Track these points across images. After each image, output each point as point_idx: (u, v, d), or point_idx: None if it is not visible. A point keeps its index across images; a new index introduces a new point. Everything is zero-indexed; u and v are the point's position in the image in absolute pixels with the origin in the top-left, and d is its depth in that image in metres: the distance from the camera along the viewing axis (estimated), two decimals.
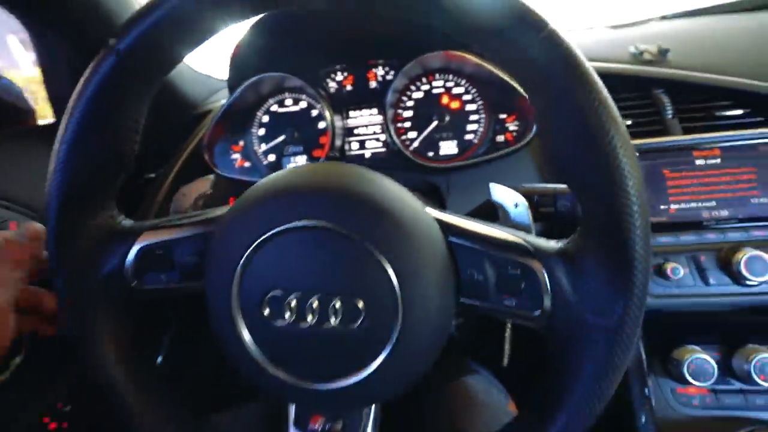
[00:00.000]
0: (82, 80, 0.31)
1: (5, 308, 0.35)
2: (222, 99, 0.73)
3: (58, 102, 0.62)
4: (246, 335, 0.31)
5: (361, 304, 0.28)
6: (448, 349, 0.33)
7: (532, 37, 0.25)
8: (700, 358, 0.49)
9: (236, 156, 0.65)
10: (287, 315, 0.29)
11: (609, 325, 0.26)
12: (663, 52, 0.64)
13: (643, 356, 0.53)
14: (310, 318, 0.29)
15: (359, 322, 0.28)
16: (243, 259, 0.30)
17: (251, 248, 0.30)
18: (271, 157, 0.64)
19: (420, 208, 0.31)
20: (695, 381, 0.49)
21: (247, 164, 0.65)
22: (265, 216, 0.30)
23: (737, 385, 0.50)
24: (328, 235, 0.28)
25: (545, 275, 0.28)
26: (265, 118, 0.63)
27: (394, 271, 0.28)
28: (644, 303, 0.27)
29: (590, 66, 0.26)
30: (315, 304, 0.29)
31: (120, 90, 0.31)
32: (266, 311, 0.30)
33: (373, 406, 0.34)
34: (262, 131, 0.64)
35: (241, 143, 0.65)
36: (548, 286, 0.28)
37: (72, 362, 0.61)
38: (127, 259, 0.35)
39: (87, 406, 0.58)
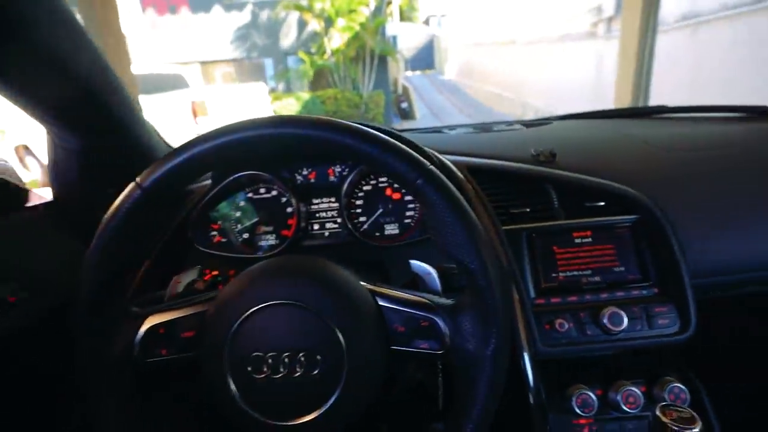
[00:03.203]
0: (111, 210, 0.43)
1: None
2: (200, 182, 0.86)
3: (58, 186, 0.71)
4: (233, 388, 0.41)
5: (318, 357, 0.40)
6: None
7: (420, 175, 0.40)
8: (585, 392, 0.63)
9: (214, 233, 0.76)
10: (265, 370, 0.41)
11: (488, 353, 0.40)
12: (553, 155, 0.84)
13: (544, 396, 0.66)
14: (282, 370, 0.41)
15: (317, 370, 0.40)
16: (233, 329, 0.41)
17: (238, 321, 0.41)
18: (246, 236, 0.76)
19: (356, 283, 0.45)
20: (582, 412, 0.63)
21: (223, 240, 0.76)
22: (248, 297, 0.42)
23: (614, 414, 0.65)
24: (293, 309, 0.41)
25: (444, 323, 0.42)
26: (242, 203, 0.76)
27: (340, 330, 0.40)
28: (508, 337, 0.41)
29: (458, 195, 0.41)
30: (286, 360, 0.41)
31: (141, 217, 0.43)
32: (249, 368, 0.41)
33: None
34: (238, 213, 0.76)
35: (219, 223, 0.76)
36: (446, 331, 0.42)
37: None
38: (136, 338, 0.44)
39: None
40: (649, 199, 0.71)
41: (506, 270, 0.43)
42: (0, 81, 0.53)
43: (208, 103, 6.33)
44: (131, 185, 0.42)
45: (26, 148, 1.03)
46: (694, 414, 0.45)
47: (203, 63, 11.85)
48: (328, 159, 0.75)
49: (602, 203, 0.75)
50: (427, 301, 0.44)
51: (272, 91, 10.30)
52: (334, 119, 0.41)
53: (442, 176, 0.42)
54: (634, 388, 0.63)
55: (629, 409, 0.62)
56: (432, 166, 0.42)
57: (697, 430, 0.44)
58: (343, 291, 0.42)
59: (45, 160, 0.93)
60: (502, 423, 0.47)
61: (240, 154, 0.42)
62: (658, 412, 0.46)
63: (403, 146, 0.42)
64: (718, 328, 0.68)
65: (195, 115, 6.15)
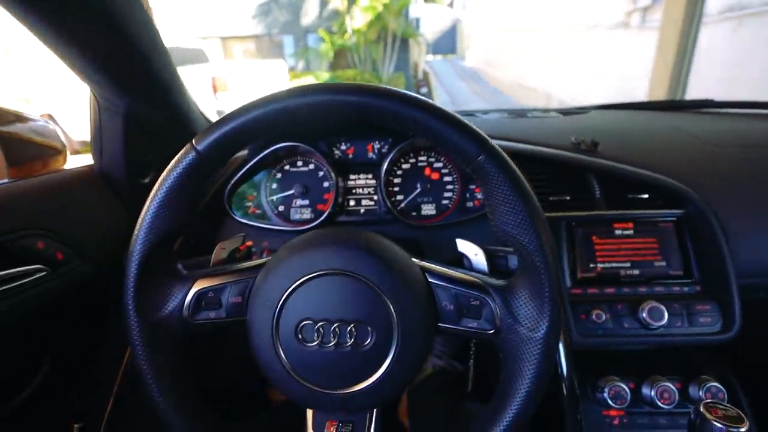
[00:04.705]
0: (166, 170, 0.42)
1: None
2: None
3: (101, 150, 0.72)
4: (283, 356, 0.41)
5: (369, 329, 0.40)
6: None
7: (482, 151, 0.39)
8: (618, 385, 0.63)
9: (249, 204, 0.76)
10: (315, 338, 0.41)
11: (538, 337, 0.40)
12: (595, 144, 0.82)
13: (576, 386, 0.66)
14: (332, 340, 0.41)
15: (368, 342, 0.40)
16: (282, 298, 0.41)
17: (289, 290, 0.41)
18: (281, 208, 0.76)
19: (409, 259, 0.44)
20: (614, 404, 0.62)
21: (259, 212, 0.76)
22: (299, 265, 0.42)
23: (646, 408, 0.64)
24: (345, 279, 0.41)
25: (495, 304, 0.42)
26: (278, 175, 0.76)
27: (392, 304, 0.40)
28: (560, 323, 0.41)
29: (519, 173, 0.40)
30: (337, 330, 0.41)
31: (194, 179, 0.43)
32: (299, 336, 0.41)
33: (375, 413, 0.45)
34: (274, 185, 0.76)
35: (255, 194, 0.76)
36: (498, 311, 0.41)
37: (90, 382, 0.67)
38: (185, 301, 0.45)
39: (101, 423, 0.64)
40: (697, 195, 0.69)
41: (556, 257, 0.41)
42: (53, 35, 0.52)
43: (228, 79, 6.31)
44: (187, 147, 0.42)
45: (51, 117, 1.04)
46: (741, 413, 0.44)
47: (223, 38, 11.80)
48: (370, 132, 0.74)
49: (646, 195, 0.73)
50: (478, 280, 0.43)
51: (291, 69, 10.23)
52: (396, 88, 0.40)
53: (504, 154, 0.41)
54: (669, 384, 0.62)
55: (663, 404, 0.61)
56: (494, 143, 0.41)
57: (744, 429, 0.43)
58: (396, 265, 0.42)
59: (67, 129, 0.93)
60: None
61: (299, 120, 0.41)
62: (702, 409, 0.45)
63: (466, 121, 0.40)
64: (760, 330, 0.66)
65: (215, 90, 6.15)
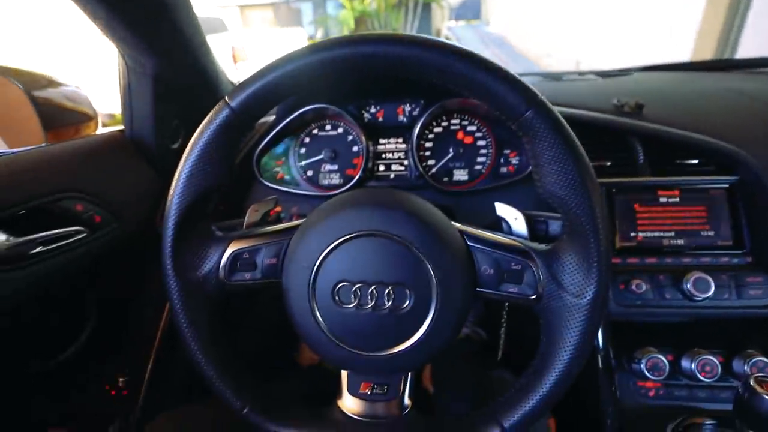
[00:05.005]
0: (200, 127, 0.41)
1: None
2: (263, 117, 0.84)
3: (131, 114, 0.72)
4: (320, 318, 0.41)
5: (407, 291, 0.39)
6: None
7: (530, 106, 0.36)
8: (656, 356, 0.61)
9: (278, 169, 0.76)
10: (353, 301, 0.40)
11: (583, 303, 0.38)
12: (639, 107, 0.76)
13: (612, 356, 0.64)
14: (370, 303, 0.40)
15: (406, 304, 0.39)
16: (319, 259, 0.40)
17: (325, 251, 0.40)
18: (310, 173, 0.75)
19: (448, 221, 0.43)
20: (651, 375, 0.61)
21: (287, 177, 0.75)
22: (336, 226, 0.41)
23: (684, 381, 0.62)
24: (383, 241, 0.40)
25: (538, 269, 0.40)
26: (307, 140, 0.74)
27: (431, 266, 0.39)
28: (607, 290, 0.39)
29: (570, 131, 0.37)
30: (375, 292, 0.40)
31: (228, 136, 0.41)
32: (336, 298, 0.41)
33: (410, 375, 0.45)
34: (303, 150, 0.75)
35: (283, 159, 0.75)
36: (540, 277, 0.40)
37: (132, 338, 0.70)
38: (221, 261, 0.45)
39: (144, 376, 0.67)
40: (753, 159, 0.64)
41: (607, 221, 0.39)
42: None
43: (248, 48, 6.24)
44: (220, 103, 0.41)
45: (77, 87, 1.04)
46: None
47: (242, 7, 11.59)
48: (401, 94, 0.71)
49: (695, 161, 0.69)
50: (520, 244, 0.41)
51: (310, 38, 10.02)
52: (441, 39, 0.37)
53: (554, 109, 0.38)
54: (711, 357, 0.60)
55: (704, 377, 0.59)
56: (544, 98, 0.38)
57: None
58: (436, 227, 0.40)
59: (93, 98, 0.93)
60: None
61: (336, 75, 0.39)
62: (752, 382, 0.43)
63: (514, 74, 0.37)
64: None
65: (235, 60, 6.11)
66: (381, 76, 0.39)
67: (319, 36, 10.78)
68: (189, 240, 0.45)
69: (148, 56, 0.62)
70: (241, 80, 0.41)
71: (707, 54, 2.66)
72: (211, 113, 0.41)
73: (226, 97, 0.41)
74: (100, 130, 0.82)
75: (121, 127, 0.75)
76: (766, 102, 0.77)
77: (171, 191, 0.43)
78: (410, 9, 9.31)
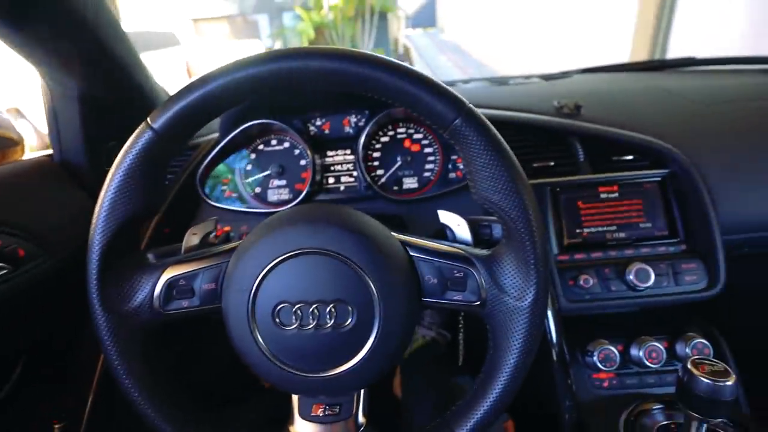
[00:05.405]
0: (122, 151, 0.39)
1: None
2: (208, 134, 0.81)
3: (59, 138, 0.67)
4: (261, 341, 0.39)
5: (350, 308, 0.38)
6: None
7: (459, 114, 0.37)
8: (607, 348, 0.63)
9: (225, 188, 0.73)
10: (294, 322, 0.39)
11: (525, 306, 0.38)
12: (578, 108, 0.80)
13: (566, 352, 0.66)
14: (311, 323, 0.39)
15: (349, 321, 0.38)
16: (257, 281, 0.39)
17: (262, 272, 0.39)
18: (258, 190, 0.73)
19: (388, 233, 0.42)
20: (604, 367, 0.63)
21: (234, 195, 0.73)
22: (272, 246, 0.39)
23: (634, 369, 0.64)
24: (321, 258, 0.38)
25: (480, 274, 0.40)
26: (253, 156, 0.72)
27: (371, 280, 0.38)
28: (547, 290, 0.39)
29: (499, 136, 0.38)
30: (316, 311, 0.39)
31: (153, 160, 0.39)
32: (277, 320, 0.39)
33: (362, 392, 0.44)
34: (249, 167, 0.73)
35: (230, 176, 0.73)
36: (482, 282, 0.40)
37: (68, 379, 0.65)
38: (155, 290, 0.42)
39: (82, 420, 0.62)
40: (681, 154, 0.68)
41: (542, 222, 0.40)
42: None
43: (203, 62, 6.09)
44: (142, 125, 0.39)
45: (18, 111, 0.98)
46: (727, 368, 0.44)
47: (195, 20, 11.32)
48: (346, 105, 0.70)
49: (630, 157, 0.72)
50: (461, 251, 0.41)
51: (268, 50, 9.89)
52: (366, 52, 0.37)
53: (483, 116, 0.38)
54: (656, 344, 0.62)
55: (651, 364, 0.62)
56: (471, 105, 0.38)
57: (730, 383, 0.43)
58: (374, 240, 0.40)
59: (37, 122, 0.87)
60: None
61: (265, 90, 0.38)
62: (689, 366, 0.45)
63: (442, 83, 0.38)
64: (743, 285, 0.66)
65: (189, 75, 5.94)
66: (318, 90, 0.38)
67: (278, 47, 10.68)
68: (117, 270, 0.42)
69: (71, 77, 0.59)
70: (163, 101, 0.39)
71: (643, 55, 2.85)
72: (132, 136, 0.39)
73: (149, 119, 0.39)
74: (32, 155, 0.77)
75: (50, 152, 0.71)
76: (691, 99, 0.82)
77: (93, 221, 0.40)
78: (367, 20, 9.40)
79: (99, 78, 0.62)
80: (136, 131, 0.39)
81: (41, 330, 0.63)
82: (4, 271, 0.53)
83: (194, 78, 0.39)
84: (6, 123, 0.79)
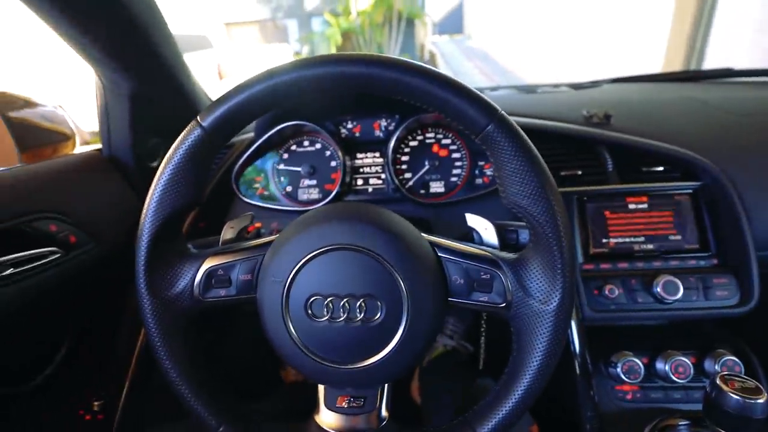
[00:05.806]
0: (172, 148, 0.42)
1: None
2: (242, 134, 0.85)
3: (109, 134, 0.72)
4: (294, 332, 0.41)
5: (379, 303, 0.40)
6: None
7: (491, 120, 0.38)
8: (631, 360, 0.62)
9: (258, 185, 0.76)
10: (325, 314, 0.41)
11: (550, 310, 0.39)
12: (607, 117, 0.79)
13: (588, 362, 0.65)
14: (342, 316, 0.40)
15: (378, 316, 0.40)
16: (291, 273, 0.41)
17: (297, 266, 0.41)
18: (289, 188, 0.75)
19: (418, 233, 0.44)
20: (627, 379, 0.62)
21: (266, 193, 0.76)
22: (307, 241, 0.41)
23: (659, 383, 0.63)
24: (353, 254, 0.40)
25: (506, 277, 0.41)
26: (285, 156, 0.75)
27: (401, 278, 0.40)
28: (573, 295, 0.40)
29: (530, 143, 0.39)
30: (347, 305, 0.40)
31: (200, 156, 0.42)
32: (309, 312, 0.41)
33: (387, 387, 0.45)
34: (282, 166, 0.75)
35: (262, 175, 0.76)
36: (508, 285, 0.41)
37: (108, 361, 0.69)
38: (196, 278, 0.45)
39: (120, 400, 0.66)
40: (714, 166, 0.67)
41: (570, 228, 0.40)
42: (57, 15, 0.52)
43: (234, 65, 6.28)
44: (192, 123, 0.42)
45: (60, 107, 1.04)
46: (759, 385, 0.43)
47: (227, 24, 11.68)
48: (377, 109, 0.72)
49: (661, 168, 0.71)
50: (488, 254, 0.43)
51: (296, 54, 10.12)
52: (401, 58, 0.39)
53: (514, 122, 0.39)
54: (684, 359, 0.61)
55: (678, 378, 0.61)
56: (504, 112, 0.39)
57: (762, 401, 0.42)
58: (405, 239, 0.41)
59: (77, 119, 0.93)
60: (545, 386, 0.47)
61: (304, 93, 0.40)
62: (719, 381, 0.44)
63: (474, 89, 0.39)
64: None
65: (221, 76, 6.13)
66: (354, 94, 0.40)
67: (305, 52, 10.90)
68: (163, 258, 0.45)
69: (124, 76, 0.63)
70: (213, 100, 0.42)
71: (677, 66, 2.77)
72: (183, 133, 0.42)
73: (198, 117, 0.42)
74: (82, 149, 0.82)
75: (100, 146, 0.75)
76: (726, 111, 0.80)
77: (144, 211, 0.43)
78: (394, 26, 9.48)
79: (149, 79, 0.66)
80: (186, 129, 0.42)
81: (87, 314, 0.67)
82: (57, 255, 0.57)
83: (241, 81, 0.41)
84: (60, 119, 0.84)
